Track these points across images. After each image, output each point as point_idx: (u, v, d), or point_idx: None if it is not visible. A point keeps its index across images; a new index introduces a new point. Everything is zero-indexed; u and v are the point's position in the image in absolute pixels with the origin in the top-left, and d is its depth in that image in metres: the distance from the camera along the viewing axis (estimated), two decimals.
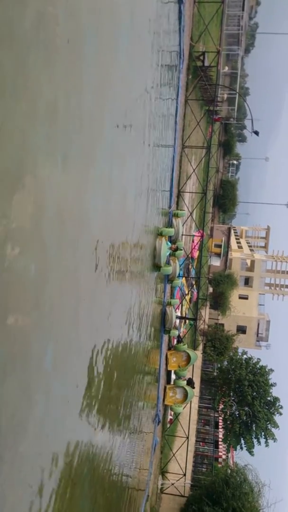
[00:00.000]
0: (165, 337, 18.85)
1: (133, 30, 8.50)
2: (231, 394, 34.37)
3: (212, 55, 25.49)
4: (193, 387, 21.54)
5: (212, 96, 28.58)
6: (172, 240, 17.55)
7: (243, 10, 55.24)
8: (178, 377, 20.58)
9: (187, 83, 21.75)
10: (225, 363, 38.48)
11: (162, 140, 14.03)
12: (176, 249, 18.23)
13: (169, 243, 16.40)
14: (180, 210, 19.49)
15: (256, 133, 34.42)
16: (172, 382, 20.47)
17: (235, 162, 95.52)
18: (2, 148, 3.58)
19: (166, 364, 19.89)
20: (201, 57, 24.03)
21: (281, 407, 33.45)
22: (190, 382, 21.18)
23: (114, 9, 6.83)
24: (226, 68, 58.75)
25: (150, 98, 10.79)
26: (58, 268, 5.02)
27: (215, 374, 39.25)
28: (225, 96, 51.50)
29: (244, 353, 37.74)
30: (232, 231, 63.17)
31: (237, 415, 33.08)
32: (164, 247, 14.77)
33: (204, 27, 23.55)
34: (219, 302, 49.07)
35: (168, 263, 16.34)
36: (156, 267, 14.63)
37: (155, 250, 14.35)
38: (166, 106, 14.41)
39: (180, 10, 15.91)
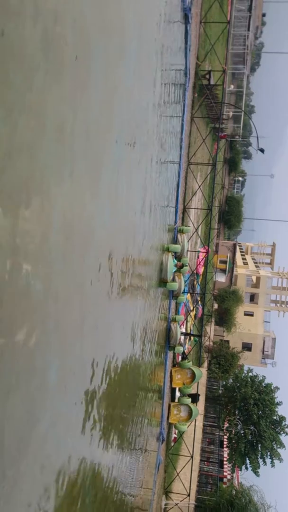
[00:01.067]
0: (170, 354, 18.72)
1: (140, 48, 8.61)
2: (236, 412, 34.01)
3: (218, 73, 25.77)
4: (198, 399, 21.27)
5: (217, 114, 28.83)
6: (178, 256, 17.56)
7: (248, 30, 56.05)
8: (183, 394, 20.39)
9: (193, 101, 21.96)
10: (230, 380, 38.15)
11: (168, 156, 14.11)
12: (182, 266, 18.24)
13: (175, 260, 16.41)
14: (186, 226, 19.54)
15: (262, 150, 34.66)
16: (176, 400, 20.28)
17: (240, 178, 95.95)
18: (10, 164, 3.60)
19: (171, 381, 19.73)
20: (207, 76, 24.30)
21: (287, 426, 33.03)
22: (194, 398, 20.93)
23: (122, 27, 6.92)
24: (232, 86, 59.38)
25: (157, 115, 10.88)
26: (63, 283, 5.01)
27: (220, 392, 38.89)
28: (231, 114, 51.94)
29: (250, 370, 37.41)
30: (238, 247, 63.15)
31: (243, 434, 32.67)
32: (171, 262, 14.80)
33: (210, 47, 23.86)
34: (224, 319, 48.82)
35: (173, 279, 16.32)
36: (161, 283, 14.61)
37: (161, 265, 14.35)
38: (172, 123, 14.52)
39: (187, 30, 16.14)
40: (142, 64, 8.91)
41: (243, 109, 53.28)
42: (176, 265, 16.76)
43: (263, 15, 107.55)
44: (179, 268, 18.01)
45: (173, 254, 15.58)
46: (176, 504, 20.11)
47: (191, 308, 28.50)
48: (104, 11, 5.87)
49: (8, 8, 3.41)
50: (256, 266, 65.70)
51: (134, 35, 7.88)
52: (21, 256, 3.91)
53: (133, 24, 7.76)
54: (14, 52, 3.54)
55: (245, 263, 64.39)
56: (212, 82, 24.90)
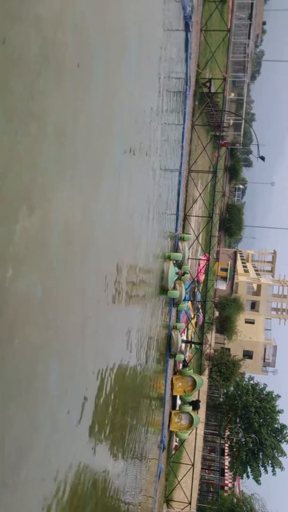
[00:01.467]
0: (171, 362, 18.66)
1: (141, 56, 8.66)
2: (238, 420, 33.85)
3: (218, 81, 25.89)
4: (199, 406, 21.16)
5: (218, 122, 28.93)
6: (179, 263, 17.56)
7: (249, 38, 56.37)
8: (184, 402, 20.29)
9: (193, 109, 22.05)
10: (231, 388, 38.00)
11: (169, 164, 14.15)
12: (183, 274, 18.26)
13: (177, 268, 16.44)
14: (186, 233, 19.53)
15: (262, 158, 34.73)
16: (177, 408, 20.18)
17: (241, 186, 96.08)
18: (11, 170, 3.61)
19: (172, 389, 19.65)
20: (208, 84, 24.41)
21: None
22: (195, 405, 20.82)
23: (123, 36, 6.97)
24: (232, 94, 59.66)
25: (157, 123, 10.92)
26: (64, 289, 5.01)
27: (221, 400, 38.72)
28: (231, 121, 52.13)
29: (251, 378, 37.28)
30: (238, 255, 63.15)
31: (244, 443, 32.52)
32: (172, 270, 14.83)
33: (210, 55, 23.99)
34: (225, 327, 48.71)
35: (174, 287, 16.32)
36: (162, 290, 14.61)
37: (163, 273, 14.41)
38: (172, 131, 14.57)
39: (187, 38, 16.23)
40: (143, 72, 8.96)
41: (243, 117, 53.50)
42: (177, 273, 16.77)
43: (264, 23, 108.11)
44: (181, 276, 18.01)
45: (174, 262, 15.61)
46: None
47: (192, 316, 28.44)
48: (104, 20, 5.92)
49: (9, 15, 3.44)
50: (257, 274, 65.67)
51: (135, 43, 7.93)
52: (21, 261, 3.92)
53: (134, 33, 7.81)
54: (16, 60, 3.57)
55: (246, 271, 64.39)
56: (212, 90, 25.01)
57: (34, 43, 3.86)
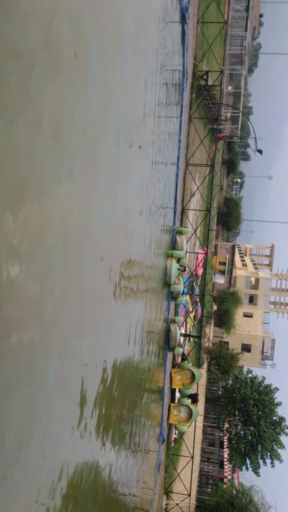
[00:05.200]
0: (169, 355, 18.71)
1: (138, 48, 8.61)
2: (236, 413, 33.98)
3: (215, 74, 25.81)
4: (197, 399, 21.28)
5: (215, 115, 28.86)
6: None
7: (246, 30, 56.14)
8: (183, 395, 20.37)
9: (190, 101, 21.97)
10: (230, 381, 38.12)
11: (166, 157, 14.11)
12: (184, 270, 18.49)
13: (178, 265, 16.82)
14: (184, 227, 19.54)
15: (260, 151, 34.71)
16: (176, 401, 20.26)
17: (238, 180, 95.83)
18: (7, 163, 3.59)
19: (171, 382, 19.71)
20: (205, 77, 24.31)
21: (287, 427, 33.00)
22: (194, 398, 20.90)
23: (118, 28, 6.92)
24: (230, 87, 59.49)
25: (154, 116, 10.88)
26: (62, 284, 5.00)
27: (219, 393, 38.86)
28: (229, 115, 52.01)
29: (249, 371, 37.39)
30: (236, 249, 63.17)
31: (243, 435, 32.64)
32: (174, 267, 15.68)
33: (207, 47, 23.87)
34: (223, 320, 48.76)
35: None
36: (164, 284, 14.87)
37: (166, 269, 15.30)
38: (170, 124, 14.52)
39: (184, 30, 16.14)
40: (139, 65, 8.92)
41: (241, 110, 53.39)
42: (179, 269, 17.08)
43: (261, 15, 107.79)
44: (182, 271, 18.16)
45: (176, 259, 16.21)
46: (177, 504, 20.07)
47: (191, 310, 28.49)
48: (99, 11, 5.87)
49: (3, 7, 3.41)
50: (255, 268, 65.69)
51: (131, 34, 7.88)
52: (19, 257, 3.91)
53: (130, 24, 7.76)
54: (11, 52, 3.54)
55: (244, 265, 64.40)
56: (209, 82, 24.91)
57: (29, 35, 3.83)
